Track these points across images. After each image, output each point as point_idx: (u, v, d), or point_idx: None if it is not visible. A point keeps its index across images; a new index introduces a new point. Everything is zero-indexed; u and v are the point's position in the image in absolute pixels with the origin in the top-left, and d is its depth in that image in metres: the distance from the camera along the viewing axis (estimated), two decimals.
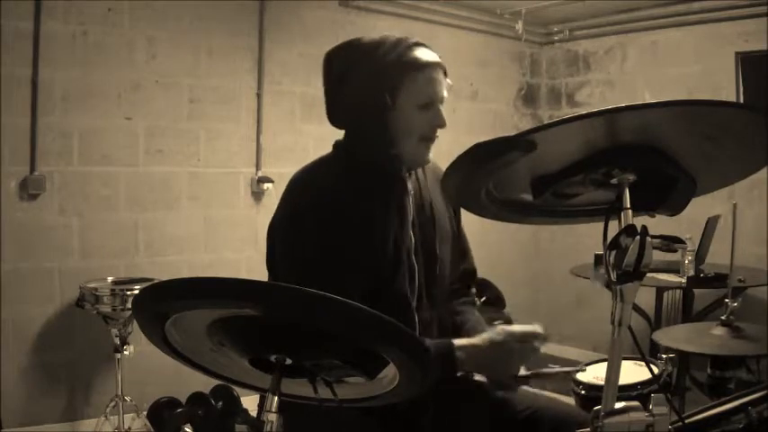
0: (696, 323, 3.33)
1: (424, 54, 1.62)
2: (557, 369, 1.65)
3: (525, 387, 1.68)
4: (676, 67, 4.50)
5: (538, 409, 1.66)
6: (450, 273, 1.81)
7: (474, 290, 1.94)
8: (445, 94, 1.65)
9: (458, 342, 1.60)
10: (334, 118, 1.69)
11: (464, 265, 1.89)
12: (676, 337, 2.20)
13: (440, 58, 1.66)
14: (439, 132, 1.66)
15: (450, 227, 1.79)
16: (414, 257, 1.66)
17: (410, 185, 1.71)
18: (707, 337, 2.10)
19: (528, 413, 1.66)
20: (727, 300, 2.12)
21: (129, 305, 3.03)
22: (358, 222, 1.58)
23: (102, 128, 3.49)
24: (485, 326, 1.74)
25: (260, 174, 3.97)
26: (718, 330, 2.10)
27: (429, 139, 1.64)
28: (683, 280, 3.45)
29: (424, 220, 1.71)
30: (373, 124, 1.61)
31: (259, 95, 3.96)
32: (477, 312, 1.88)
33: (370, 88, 1.59)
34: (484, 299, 2.21)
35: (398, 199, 1.67)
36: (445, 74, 1.66)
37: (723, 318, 2.11)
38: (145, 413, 3.18)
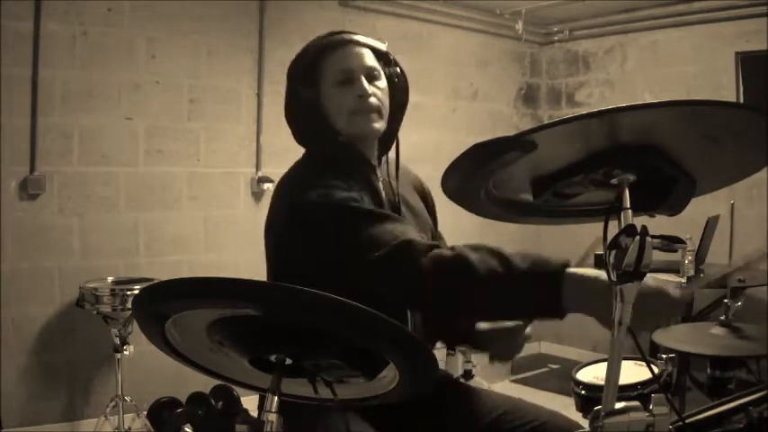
0: (696, 323, 3.33)
1: (333, 38, 1.67)
2: None
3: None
4: (676, 67, 4.50)
5: (541, 423, 1.65)
6: None
7: None
8: (368, 63, 1.66)
9: (570, 269, 1.28)
10: (292, 131, 1.76)
11: None
12: (676, 337, 2.20)
13: (357, 35, 1.68)
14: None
15: (427, 225, 1.80)
16: None
17: (379, 173, 1.72)
18: (707, 338, 2.09)
19: (529, 427, 1.65)
20: (726, 300, 2.12)
21: (129, 305, 3.02)
22: (342, 213, 1.59)
23: (102, 128, 3.49)
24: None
25: (260, 174, 3.97)
26: (718, 330, 2.10)
27: (358, 111, 1.64)
28: (683, 280, 3.45)
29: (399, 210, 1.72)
30: (310, 118, 1.67)
31: (259, 95, 3.96)
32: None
33: (295, 87, 1.66)
34: None
35: (369, 184, 1.68)
36: (376, 52, 1.68)
37: (723, 318, 2.10)
38: (145, 413, 3.17)
